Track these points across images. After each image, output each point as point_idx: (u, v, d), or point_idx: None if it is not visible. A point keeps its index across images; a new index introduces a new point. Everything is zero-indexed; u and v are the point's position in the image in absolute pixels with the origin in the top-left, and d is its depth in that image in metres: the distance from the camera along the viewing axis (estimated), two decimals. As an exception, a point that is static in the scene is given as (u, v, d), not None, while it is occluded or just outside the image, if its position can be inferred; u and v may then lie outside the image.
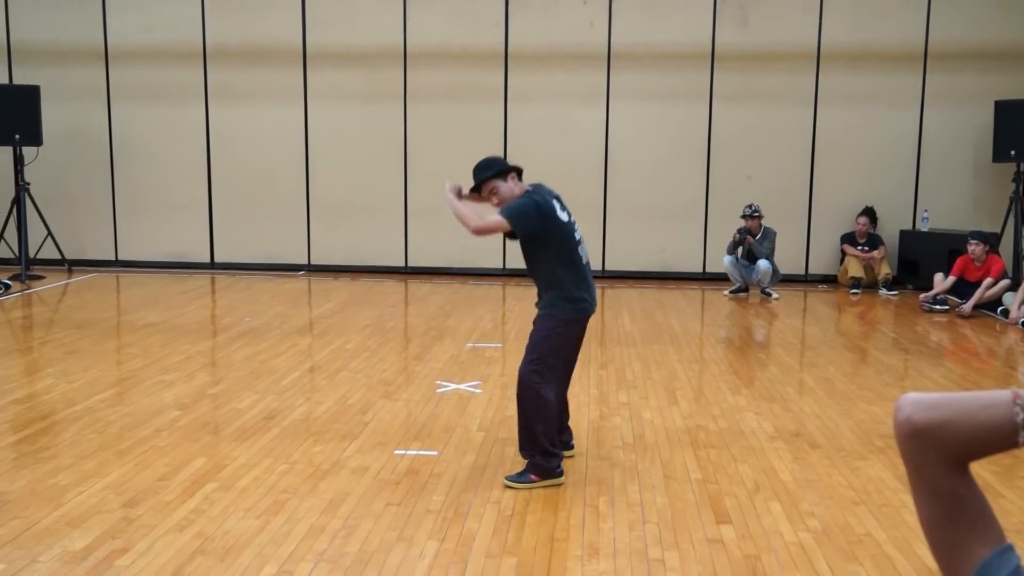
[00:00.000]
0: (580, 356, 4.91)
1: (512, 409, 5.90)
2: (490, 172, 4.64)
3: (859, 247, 11.03)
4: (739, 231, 10.50)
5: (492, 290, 10.85)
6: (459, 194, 4.72)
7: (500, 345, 7.88)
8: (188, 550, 3.80)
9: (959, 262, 9.74)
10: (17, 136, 11.01)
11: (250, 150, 11.79)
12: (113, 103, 11.86)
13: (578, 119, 11.49)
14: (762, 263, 10.36)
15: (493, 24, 11.41)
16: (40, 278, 11.04)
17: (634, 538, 4.00)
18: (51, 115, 11.34)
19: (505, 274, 11.59)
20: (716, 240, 11.34)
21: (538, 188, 4.66)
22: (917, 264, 10.96)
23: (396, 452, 5.06)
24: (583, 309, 4.62)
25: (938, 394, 1.22)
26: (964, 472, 1.22)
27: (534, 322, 4.70)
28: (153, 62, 11.71)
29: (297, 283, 11.14)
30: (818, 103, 11.30)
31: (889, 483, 4.70)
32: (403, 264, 11.89)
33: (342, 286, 10.92)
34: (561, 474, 4.62)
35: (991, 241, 9.83)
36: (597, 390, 6.40)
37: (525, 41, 11.40)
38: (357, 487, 4.53)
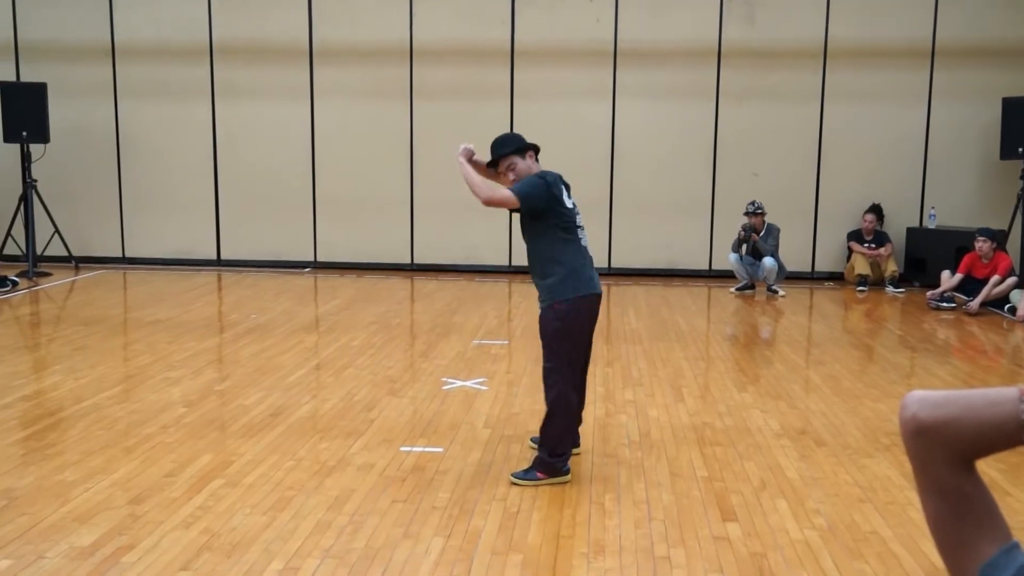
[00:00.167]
0: (586, 354, 4.90)
1: (518, 406, 5.92)
2: (509, 148, 4.65)
3: (866, 244, 11.01)
4: (743, 228, 10.48)
5: (498, 287, 10.85)
6: (471, 158, 4.71)
7: (506, 342, 7.88)
8: (195, 546, 3.81)
9: (966, 259, 9.71)
10: (24, 133, 11.04)
11: (256, 147, 11.80)
12: (120, 100, 11.88)
13: (584, 116, 11.48)
14: (767, 260, 10.35)
15: (499, 20, 11.40)
16: (47, 275, 11.07)
17: (640, 535, 4.00)
18: (58, 112, 11.37)
19: (511, 271, 11.59)
20: (722, 237, 11.33)
21: (550, 172, 4.66)
22: (924, 261, 10.93)
23: (402, 449, 5.06)
24: (589, 285, 4.58)
25: (944, 392, 1.22)
26: (970, 470, 1.22)
27: (540, 320, 4.65)
28: (160, 59, 11.73)
29: (303, 280, 11.16)
30: (825, 100, 11.28)
31: (895, 481, 4.69)
32: (409, 261, 11.90)
33: (348, 283, 10.93)
34: (567, 472, 4.62)
35: (998, 238, 9.80)
36: (603, 387, 6.40)
37: (531, 38, 11.39)
38: (363, 484, 4.54)
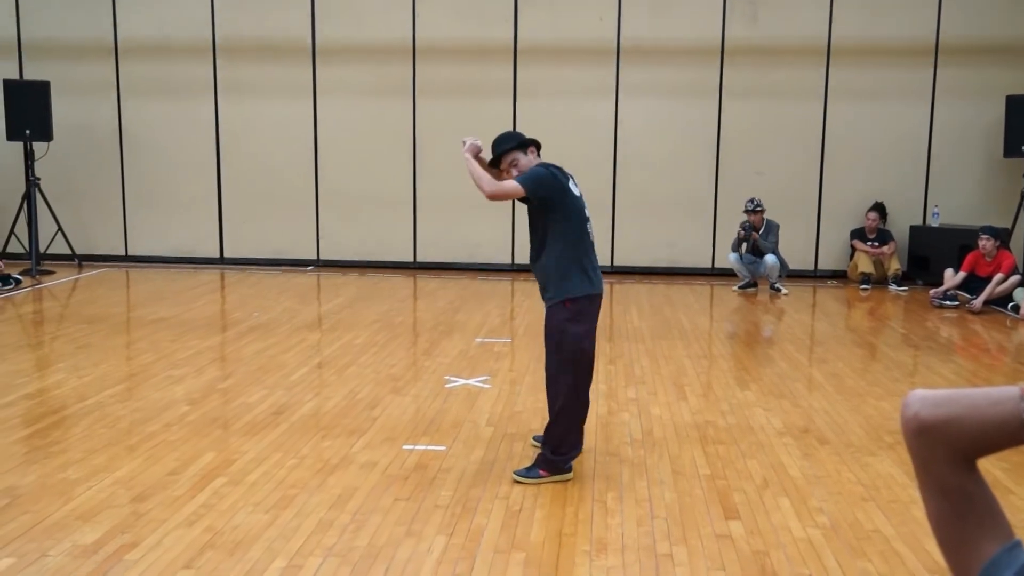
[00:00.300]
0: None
1: (520, 404, 5.92)
2: (510, 144, 4.65)
3: (869, 242, 11.00)
4: (742, 226, 10.46)
5: (501, 285, 10.85)
6: (477, 154, 4.70)
7: (509, 340, 7.89)
8: (197, 544, 3.81)
9: (970, 257, 9.70)
10: (28, 131, 11.06)
11: (259, 145, 11.81)
12: (123, 98, 11.90)
13: (587, 114, 11.47)
14: (768, 258, 10.33)
15: (502, 19, 11.40)
16: (50, 273, 11.09)
17: (642, 533, 4.00)
18: (61, 110, 11.39)
19: (514, 269, 11.60)
20: (725, 236, 11.32)
21: (551, 163, 4.64)
22: (927, 260, 10.92)
23: (404, 447, 5.07)
24: (598, 284, 4.59)
25: (946, 390, 1.22)
26: (972, 468, 1.22)
27: (546, 317, 4.63)
28: (163, 57, 11.74)
29: (306, 278, 11.16)
30: (828, 98, 11.26)
31: (898, 479, 4.69)
32: (412, 259, 11.90)
33: (351, 281, 10.94)
34: (570, 470, 4.62)
35: (1002, 236, 9.78)
36: (605, 385, 6.40)
37: (534, 36, 11.39)
38: (366, 482, 4.54)
